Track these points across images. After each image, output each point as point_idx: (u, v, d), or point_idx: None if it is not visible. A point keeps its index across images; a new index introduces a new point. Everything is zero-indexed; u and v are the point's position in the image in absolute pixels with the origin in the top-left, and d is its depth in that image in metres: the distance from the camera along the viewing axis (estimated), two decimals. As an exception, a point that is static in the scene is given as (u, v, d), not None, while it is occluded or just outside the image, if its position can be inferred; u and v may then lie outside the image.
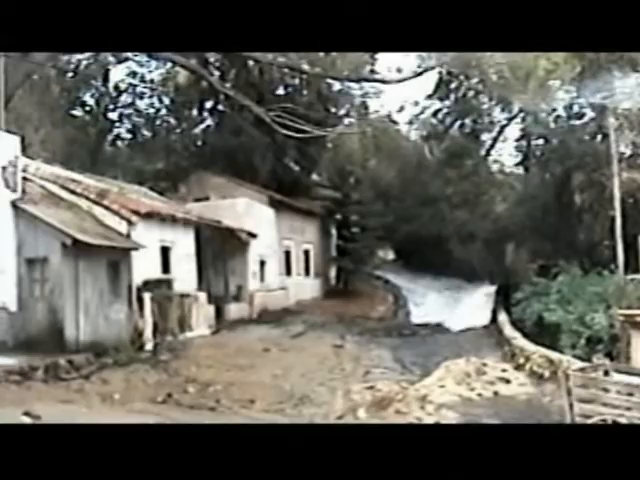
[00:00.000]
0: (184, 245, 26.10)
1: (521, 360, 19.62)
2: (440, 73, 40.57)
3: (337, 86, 41.21)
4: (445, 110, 45.66)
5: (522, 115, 40.72)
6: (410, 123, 50.19)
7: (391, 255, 50.62)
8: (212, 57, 39.53)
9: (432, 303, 34.74)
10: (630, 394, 9.93)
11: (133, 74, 42.27)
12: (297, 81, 40.61)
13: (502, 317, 28.70)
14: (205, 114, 43.91)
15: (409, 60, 32.15)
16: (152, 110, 43.75)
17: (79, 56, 38.02)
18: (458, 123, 45.73)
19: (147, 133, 43.67)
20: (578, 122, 35.67)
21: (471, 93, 42.50)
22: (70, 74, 39.48)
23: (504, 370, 18.94)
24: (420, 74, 32.61)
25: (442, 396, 15.81)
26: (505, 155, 47.84)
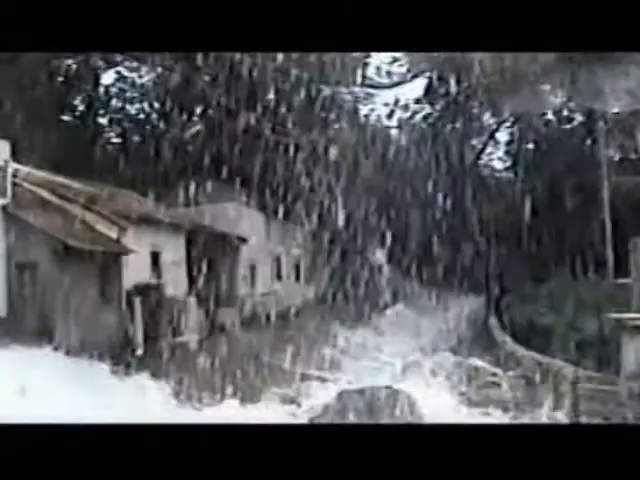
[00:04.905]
0: (174, 250, 26.06)
1: (512, 364, 19.68)
2: (430, 77, 40.63)
3: (327, 91, 41.20)
4: (435, 114, 45.70)
5: (512, 119, 40.86)
6: (400, 127, 50.17)
7: (382, 259, 50.60)
8: (202, 62, 39.50)
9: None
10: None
11: (123, 79, 42.22)
12: (287, 86, 40.61)
13: (493, 321, 28.77)
14: (195, 119, 43.83)
15: (399, 65, 32.21)
16: (142, 115, 43.67)
17: (69, 61, 37.97)
18: (448, 127, 45.76)
19: (137, 138, 43.56)
20: (568, 126, 35.86)
21: (461, 97, 42.56)
22: (60, 79, 39.42)
23: (494, 374, 18.98)
24: (411, 79, 32.68)
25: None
26: (495, 159, 47.93)
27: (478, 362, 20.72)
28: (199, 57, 37.15)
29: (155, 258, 24.95)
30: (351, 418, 13.99)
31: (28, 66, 28.82)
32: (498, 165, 47.96)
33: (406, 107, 46.58)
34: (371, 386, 17.08)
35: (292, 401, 16.79)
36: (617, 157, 31.91)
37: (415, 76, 32.52)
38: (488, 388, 17.79)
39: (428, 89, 43.21)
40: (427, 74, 37.18)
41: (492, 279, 37.36)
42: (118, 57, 38.57)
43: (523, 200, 38.20)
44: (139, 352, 21.85)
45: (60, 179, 24.44)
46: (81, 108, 41.90)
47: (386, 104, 47.82)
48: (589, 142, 33.22)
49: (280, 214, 36.56)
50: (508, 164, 45.18)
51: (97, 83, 41.46)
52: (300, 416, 14.88)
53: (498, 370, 19.57)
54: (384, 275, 44.57)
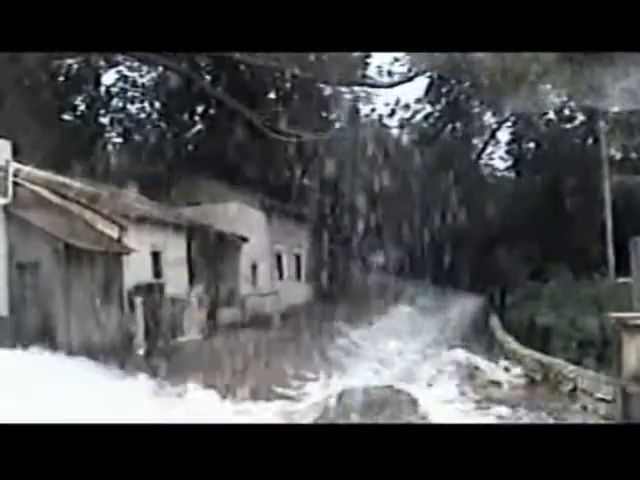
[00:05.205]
0: (175, 249, 26.08)
1: (513, 363, 19.67)
2: (431, 77, 40.63)
3: (328, 90, 41.19)
4: (436, 114, 45.69)
5: (513, 119, 40.85)
6: (401, 127, 50.19)
7: (382, 259, 50.54)
8: (203, 61, 39.50)
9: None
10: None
11: (124, 78, 42.24)
12: (288, 85, 40.59)
13: (494, 321, 28.75)
14: (196, 118, 43.84)
15: (400, 64, 32.19)
16: (143, 115, 43.73)
17: (70, 60, 37.97)
18: (449, 127, 45.78)
19: (138, 138, 43.61)
20: (569, 126, 35.88)
21: (462, 97, 42.56)
22: (61, 78, 39.42)
23: (495, 374, 18.97)
24: (411, 78, 32.68)
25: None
26: (496, 159, 47.94)
27: (479, 361, 20.71)
28: (200, 57, 37.27)
29: (156, 258, 24.98)
30: (352, 418, 13.97)
31: (29, 66, 28.80)
32: (499, 164, 48.02)
33: (407, 107, 46.65)
34: (372, 385, 17.06)
35: (293, 401, 16.77)
36: (618, 156, 31.90)
37: (416, 75, 32.51)
38: (489, 387, 17.77)
39: (429, 88, 43.24)
40: (428, 74, 37.19)
41: (493, 278, 37.36)
42: (119, 57, 38.59)
43: (524, 199, 38.27)
44: (140, 352, 21.87)
45: (61, 179, 24.45)
46: (82, 108, 41.92)
47: (387, 104, 47.92)
48: (590, 141, 33.21)
49: (281, 213, 36.63)
50: (509, 163, 45.19)
51: (98, 83, 41.47)
52: (301, 416, 14.86)
53: (499, 370, 19.57)
54: (385, 274, 44.59)
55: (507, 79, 25.66)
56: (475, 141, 47.08)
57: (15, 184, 21.33)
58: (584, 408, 13.64)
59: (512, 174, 45.76)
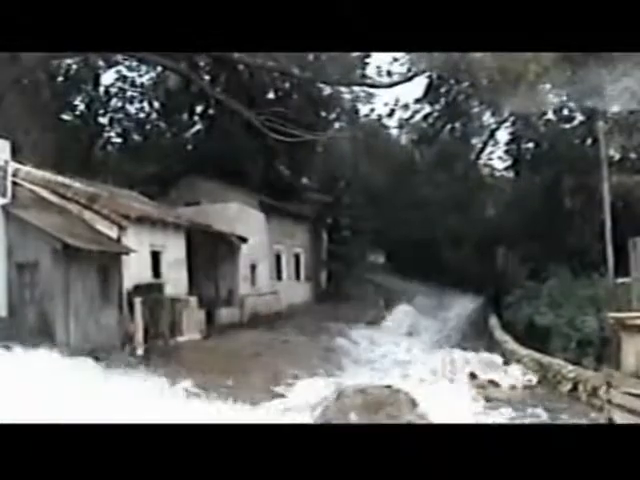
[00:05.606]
0: (175, 250, 26.06)
1: (512, 363, 19.70)
2: (430, 77, 40.59)
3: (327, 90, 41.19)
4: (435, 114, 45.64)
5: (512, 119, 40.79)
6: (400, 127, 50.26)
7: (382, 259, 50.64)
8: (202, 61, 39.50)
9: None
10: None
11: (123, 78, 42.24)
12: (287, 85, 40.59)
13: (493, 321, 28.76)
14: (195, 118, 43.84)
15: (399, 64, 32.17)
16: (142, 114, 43.71)
17: (69, 60, 37.96)
18: (448, 127, 45.72)
19: (137, 137, 43.61)
20: (568, 126, 35.84)
21: (461, 97, 42.49)
22: (60, 78, 39.42)
23: (494, 374, 19.00)
24: (410, 78, 32.68)
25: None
26: (495, 159, 47.90)
27: (478, 361, 20.74)
28: (199, 57, 37.27)
29: (155, 258, 24.96)
30: (351, 417, 13.96)
31: (28, 66, 28.81)
32: (498, 164, 48.02)
33: (406, 106, 46.66)
34: (371, 385, 17.06)
35: (292, 400, 16.78)
36: (617, 157, 31.88)
37: (415, 75, 32.51)
38: (488, 387, 17.81)
39: (428, 88, 43.19)
40: (427, 73, 37.17)
41: (492, 278, 37.34)
42: (118, 56, 38.58)
43: (523, 199, 38.22)
44: (140, 352, 21.88)
45: (60, 178, 24.45)
46: (81, 107, 41.93)
47: (386, 104, 47.91)
48: (589, 141, 33.19)
49: (280, 213, 36.60)
50: (508, 163, 45.14)
51: (97, 82, 41.47)
52: (300, 416, 14.87)
53: (498, 370, 19.60)
54: (384, 274, 44.65)
55: (506, 79, 25.66)
56: (474, 141, 47.10)
57: (14, 184, 21.36)
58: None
59: (511, 174, 45.67)
